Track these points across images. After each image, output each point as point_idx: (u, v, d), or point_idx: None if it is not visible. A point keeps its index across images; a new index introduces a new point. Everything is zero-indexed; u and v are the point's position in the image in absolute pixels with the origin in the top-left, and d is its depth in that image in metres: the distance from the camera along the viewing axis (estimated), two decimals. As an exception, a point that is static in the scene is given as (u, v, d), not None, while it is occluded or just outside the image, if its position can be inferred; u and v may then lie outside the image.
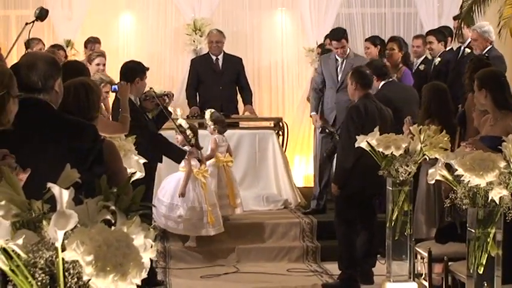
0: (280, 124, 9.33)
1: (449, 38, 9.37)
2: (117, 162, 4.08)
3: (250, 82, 9.88)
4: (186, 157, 7.25)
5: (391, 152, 5.77)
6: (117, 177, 3.71)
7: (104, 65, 8.34)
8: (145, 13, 11.15)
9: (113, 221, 2.12)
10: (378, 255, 7.03)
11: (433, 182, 4.83)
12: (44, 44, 9.43)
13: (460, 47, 8.91)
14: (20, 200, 2.10)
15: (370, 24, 11.28)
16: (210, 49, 9.73)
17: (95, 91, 4.24)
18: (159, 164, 6.96)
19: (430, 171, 4.74)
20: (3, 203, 2.05)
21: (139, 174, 4.52)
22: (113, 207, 2.14)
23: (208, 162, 7.95)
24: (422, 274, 5.98)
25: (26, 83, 3.35)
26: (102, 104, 5.87)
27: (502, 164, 4.41)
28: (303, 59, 11.13)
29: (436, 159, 5.22)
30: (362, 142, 5.88)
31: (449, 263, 5.51)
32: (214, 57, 9.61)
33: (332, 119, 8.56)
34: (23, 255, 2.00)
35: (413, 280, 6.03)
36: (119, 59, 9.73)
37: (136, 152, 4.75)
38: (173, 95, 7.37)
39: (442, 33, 9.34)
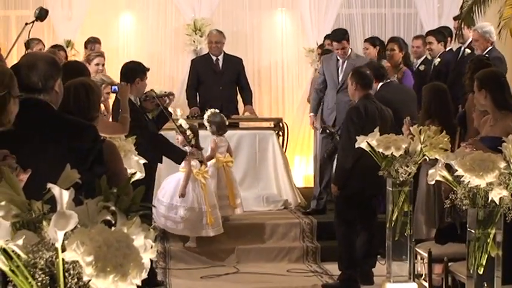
0: (280, 124, 9.33)
1: (449, 39, 9.38)
2: (118, 163, 4.08)
3: (250, 82, 9.89)
4: (186, 158, 7.25)
5: (391, 153, 5.77)
6: (118, 177, 3.72)
7: (103, 65, 8.33)
8: (146, 13, 11.15)
9: (113, 222, 2.12)
10: (378, 256, 7.03)
11: (433, 182, 4.83)
12: (44, 45, 9.42)
13: (460, 48, 8.91)
14: (20, 201, 2.10)
15: (370, 25, 11.28)
16: (209, 49, 9.73)
17: (95, 91, 4.24)
18: (159, 164, 6.96)
19: (430, 171, 4.74)
20: (3, 203, 2.05)
21: (140, 175, 4.52)
22: (113, 208, 2.14)
23: (208, 163, 7.95)
24: (422, 275, 5.98)
25: (26, 84, 3.35)
26: (102, 104, 5.87)
27: (502, 164, 4.41)
28: (303, 59, 11.14)
29: (436, 159, 5.22)
30: (362, 143, 5.88)
31: (449, 264, 5.51)
32: (214, 58, 9.61)
33: (332, 119, 8.55)
34: (23, 255, 2.00)
35: (413, 281, 6.03)
36: (119, 59, 9.75)
37: (137, 152, 4.76)
38: (174, 95, 7.37)
39: (441, 33, 9.34)
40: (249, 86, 9.71)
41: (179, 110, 8.59)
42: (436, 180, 4.74)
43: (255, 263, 7.89)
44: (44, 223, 2.05)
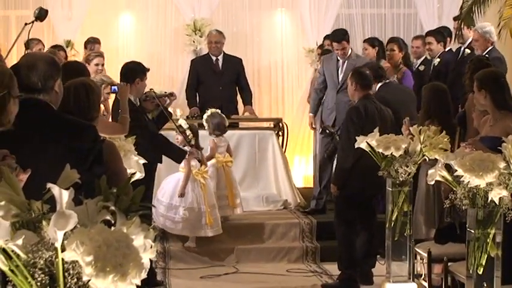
0: (280, 124, 9.33)
1: (448, 39, 9.38)
2: (118, 163, 4.08)
3: (250, 83, 9.89)
4: (186, 157, 7.25)
5: (391, 153, 5.77)
6: (118, 177, 3.71)
7: (103, 65, 8.33)
8: (145, 13, 11.15)
9: (113, 222, 2.13)
10: (378, 256, 7.02)
11: (432, 182, 4.83)
12: (43, 45, 9.42)
13: (460, 48, 8.91)
14: (19, 201, 2.10)
15: (370, 25, 11.28)
16: (209, 49, 9.73)
17: (95, 91, 4.24)
18: (158, 164, 6.97)
19: (430, 171, 4.74)
20: (3, 203, 2.05)
21: (139, 175, 4.52)
22: (113, 208, 2.14)
23: (208, 163, 7.95)
24: (421, 275, 5.98)
25: (26, 84, 3.35)
26: (102, 105, 5.87)
27: (502, 164, 4.41)
28: (303, 59, 11.14)
29: (436, 159, 5.22)
30: (362, 143, 5.88)
31: (449, 264, 5.52)
32: (214, 58, 9.61)
33: (332, 119, 8.54)
34: (22, 255, 2.00)
35: (413, 281, 6.03)
36: (119, 59, 9.75)
37: (136, 152, 4.76)
38: (175, 95, 7.37)
39: (441, 33, 9.34)
40: (248, 86, 9.71)
41: (179, 110, 8.59)
42: (436, 180, 4.74)
43: (255, 263, 7.89)
44: (44, 223, 2.05)
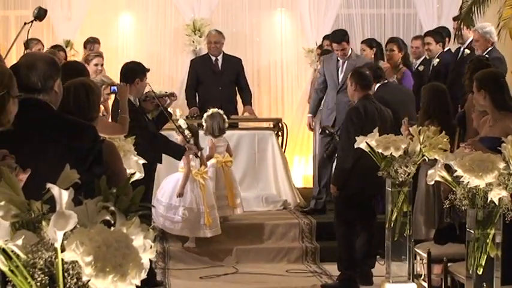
0: (280, 125, 9.33)
1: (447, 39, 9.38)
2: (118, 163, 4.08)
3: (250, 83, 9.89)
4: (185, 153, 7.24)
5: (391, 153, 5.77)
6: (117, 177, 3.72)
7: (102, 65, 8.34)
8: (145, 13, 11.15)
9: (113, 222, 2.12)
10: (377, 256, 7.02)
11: (432, 183, 4.84)
12: (43, 45, 9.42)
13: (459, 48, 8.91)
14: (19, 201, 2.10)
15: (370, 25, 11.28)
16: (209, 50, 9.73)
17: (95, 91, 4.24)
18: (158, 164, 6.96)
19: (430, 172, 4.74)
20: (2, 203, 2.05)
21: (139, 175, 4.52)
22: (113, 208, 2.14)
23: (207, 163, 7.95)
24: (421, 275, 5.98)
25: (26, 84, 3.35)
26: (101, 105, 5.87)
27: (501, 165, 4.41)
28: (303, 59, 11.14)
29: (436, 160, 5.22)
30: (361, 143, 5.88)
31: (449, 264, 5.52)
32: (213, 58, 9.61)
33: (332, 120, 8.54)
34: (22, 255, 2.00)
35: (413, 281, 6.03)
36: (118, 59, 9.75)
37: (136, 152, 4.76)
38: (176, 95, 7.37)
39: (439, 34, 9.34)
40: (248, 86, 9.71)
41: (178, 110, 8.58)
42: (436, 181, 4.74)
43: (254, 263, 7.88)
44: (44, 223, 2.04)
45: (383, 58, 9.35)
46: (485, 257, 4.47)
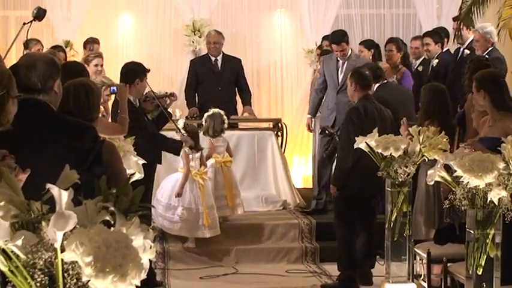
0: (279, 125, 9.33)
1: (446, 39, 9.38)
2: (117, 163, 4.08)
3: (249, 83, 9.89)
4: (183, 146, 7.25)
5: (390, 153, 5.77)
6: (117, 178, 3.71)
7: (102, 65, 8.34)
8: (145, 14, 11.14)
9: (112, 222, 2.12)
10: (377, 256, 7.02)
11: (432, 183, 4.83)
12: (42, 45, 9.42)
13: (459, 48, 8.91)
14: (19, 201, 2.10)
15: (369, 26, 11.27)
16: (208, 50, 9.73)
17: (95, 92, 4.24)
18: (158, 164, 6.97)
19: (429, 172, 4.74)
20: (2, 203, 2.05)
21: (139, 175, 4.52)
22: (112, 208, 2.14)
23: (207, 163, 7.96)
24: (421, 275, 5.98)
25: (26, 84, 3.35)
26: (101, 106, 5.87)
27: (501, 165, 4.41)
28: (302, 60, 11.13)
29: (435, 160, 5.22)
30: (361, 143, 5.88)
31: (448, 264, 5.52)
32: (213, 58, 9.62)
33: (332, 120, 8.54)
34: (22, 256, 2.00)
35: (413, 281, 6.03)
36: (118, 59, 9.75)
37: (136, 153, 4.76)
38: (176, 96, 7.37)
39: (438, 34, 9.34)
40: (248, 87, 9.71)
41: (178, 110, 8.59)
42: (435, 181, 4.74)
43: (254, 263, 7.88)
44: (43, 223, 2.04)
45: (381, 59, 9.34)
46: (485, 257, 4.47)
